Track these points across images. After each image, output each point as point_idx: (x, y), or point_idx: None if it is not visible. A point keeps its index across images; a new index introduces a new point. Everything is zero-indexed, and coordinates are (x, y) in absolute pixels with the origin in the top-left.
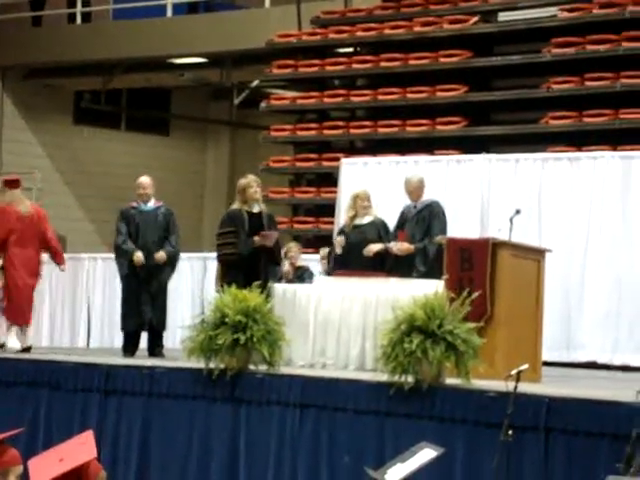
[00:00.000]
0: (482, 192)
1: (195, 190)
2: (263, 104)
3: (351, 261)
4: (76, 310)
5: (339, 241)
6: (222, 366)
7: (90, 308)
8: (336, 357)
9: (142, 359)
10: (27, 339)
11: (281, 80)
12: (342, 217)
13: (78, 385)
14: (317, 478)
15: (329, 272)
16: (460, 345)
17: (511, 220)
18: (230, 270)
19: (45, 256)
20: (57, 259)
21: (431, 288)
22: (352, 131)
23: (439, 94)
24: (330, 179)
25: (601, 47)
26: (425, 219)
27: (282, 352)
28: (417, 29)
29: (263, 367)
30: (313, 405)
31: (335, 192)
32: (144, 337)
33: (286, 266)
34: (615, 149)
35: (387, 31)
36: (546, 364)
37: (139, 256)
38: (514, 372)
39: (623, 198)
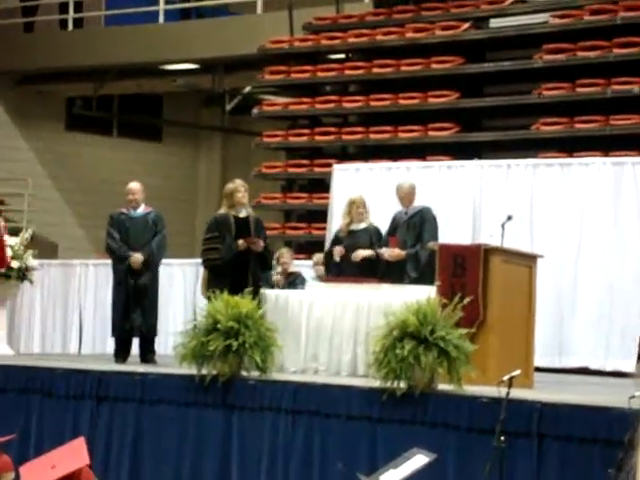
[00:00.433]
0: (474, 198)
1: (187, 196)
2: (255, 110)
3: (345, 267)
4: (68, 316)
5: (338, 250)
6: (214, 372)
7: (82, 314)
8: (328, 363)
9: (134, 365)
10: None
11: (273, 86)
12: (334, 223)
13: (70, 391)
14: None
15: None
16: (452, 351)
17: (503, 226)
18: (217, 275)
19: (36, 262)
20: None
21: (423, 294)
22: (344, 137)
23: (431, 100)
24: (322, 185)
25: (592, 54)
26: (416, 225)
27: (274, 358)
28: (409, 35)
29: (255, 373)
30: (305, 411)
31: (327, 198)
32: (136, 343)
33: (277, 275)
34: (606, 155)
35: (379, 37)
36: (538, 370)
37: (137, 257)
38: (506, 378)
39: (614, 204)
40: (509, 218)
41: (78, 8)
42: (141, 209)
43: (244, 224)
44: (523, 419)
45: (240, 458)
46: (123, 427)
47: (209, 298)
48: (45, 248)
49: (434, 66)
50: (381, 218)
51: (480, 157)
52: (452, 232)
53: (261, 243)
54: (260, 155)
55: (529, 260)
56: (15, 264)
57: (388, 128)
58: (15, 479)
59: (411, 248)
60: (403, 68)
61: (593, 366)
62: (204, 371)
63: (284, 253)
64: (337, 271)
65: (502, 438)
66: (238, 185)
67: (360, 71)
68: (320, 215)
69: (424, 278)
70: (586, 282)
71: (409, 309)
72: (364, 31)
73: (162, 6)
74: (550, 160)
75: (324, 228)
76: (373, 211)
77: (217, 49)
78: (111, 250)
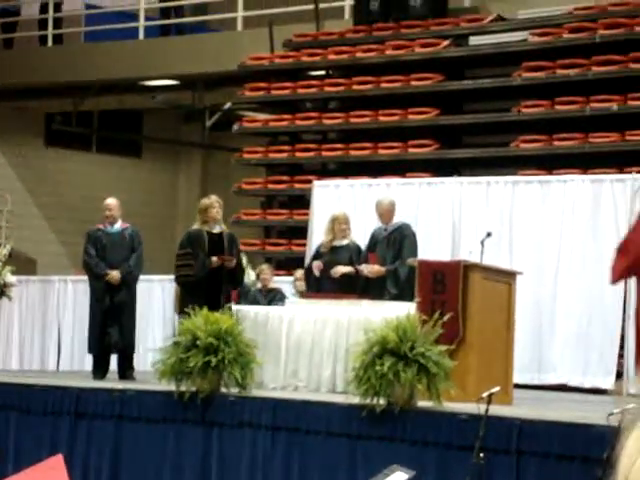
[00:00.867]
0: (453, 215)
1: (167, 212)
2: (235, 126)
3: (324, 283)
4: (46, 333)
5: (316, 265)
6: (193, 389)
7: (60, 331)
8: (308, 379)
9: (113, 382)
10: None
11: (253, 102)
12: (314, 239)
13: (48, 408)
14: None
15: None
16: (432, 367)
17: (482, 243)
18: (190, 292)
19: (15, 278)
20: None
21: (403, 310)
22: (324, 153)
23: (411, 117)
24: (302, 201)
25: (571, 71)
26: (396, 241)
27: (254, 375)
28: (389, 52)
29: (235, 390)
30: (285, 428)
31: (307, 214)
32: (114, 359)
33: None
34: (585, 172)
35: (359, 54)
36: (517, 387)
37: (114, 274)
38: (485, 395)
39: (593, 221)
40: (488, 235)
41: (57, 24)
42: (118, 225)
43: (218, 240)
44: (502, 436)
45: (219, 474)
46: (102, 444)
47: (184, 314)
48: (24, 264)
49: (414, 83)
50: (361, 234)
51: (460, 174)
52: (432, 248)
53: (234, 260)
54: (240, 171)
55: (508, 277)
56: None
57: (368, 145)
58: None
59: (391, 264)
60: (383, 85)
61: (572, 383)
62: (183, 387)
63: (264, 269)
64: (317, 287)
65: (481, 455)
66: (213, 201)
67: (340, 88)
68: (300, 231)
69: (404, 294)
70: (565, 299)
71: (389, 325)
72: (344, 48)
73: (142, 22)
74: (529, 177)
75: (304, 244)
76: (353, 227)
77: (197, 65)
78: (88, 267)
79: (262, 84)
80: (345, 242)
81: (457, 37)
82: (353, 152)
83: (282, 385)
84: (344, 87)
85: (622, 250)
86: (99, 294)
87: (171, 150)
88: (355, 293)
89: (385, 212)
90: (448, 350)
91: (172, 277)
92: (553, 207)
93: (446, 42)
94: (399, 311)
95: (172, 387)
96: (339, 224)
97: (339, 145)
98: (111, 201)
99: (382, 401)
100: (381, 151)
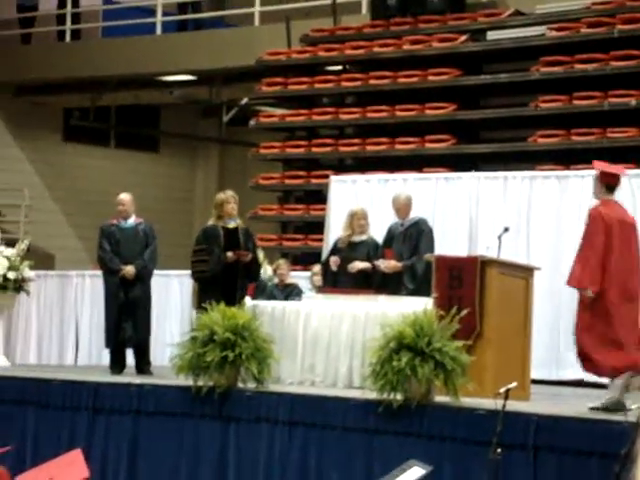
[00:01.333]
0: (471, 210)
1: (184, 207)
2: (252, 122)
3: (341, 278)
4: (64, 327)
5: (334, 261)
6: (211, 383)
7: (78, 325)
8: (325, 375)
9: (130, 377)
10: None
11: (270, 98)
12: (331, 234)
13: (66, 403)
14: None
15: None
16: (449, 363)
17: (499, 238)
18: (207, 288)
19: (33, 273)
20: None
21: (420, 306)
22: (341, 149)
23: (428, 112)
24: (319, 196)
25: (589, 66)
26: (412, 237)
27: (271, 370)
28: (406, 47)
29: (252, 385)
30: (302, 423)
31: (324, 209)
32: (131, 354)
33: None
34: None
35: (376, 49)
36: (535, 382)
37: (129, 269)
38: (503, 390)
39: None
40: (506, 230)
41: (75, 20)
42: (132, 220)
43: (233, 235)
44: (519, 431)
45: (236, 469)
46: (119, 438)
47: (201, 309)
48: (42, 259)
49: (431, 78)
50: (377, 229)
51: (477, 169)
52: (449, 244)
53: (250, 255)
54: (257, 166)
55: (526, 272)
56: (12, 275)
57: (385, 140)
58: None
59: (407, 260)
60: (400, 80)
61: (590, 378)
62: (200, 382)
63: (281, 264)
64: (333, 281)
65: (498, 450)
66: (229, 196)
67: (357, 83)
68: (317, 226)
69: (421, 290)
70: None
71: (406, 321)
72: (361, 43)
73: (159, 17)
74: (547, 172)
75: (321, 239)
76: (370, 222)
77: (214, 61)
78: (102, 262)
79: (279, 79)
80: (363, 237)
81: (475, 32)
82: (370, 147)
83: (299, 380)
84: (361, 82)
85: (582, 259)
86: (113, 289)
87: (188, 145)
88: (371, 288)
89: (402, 207)
90: (465, 346)
91: (189, 272)
92: (571, 202)
93: (464, 37)
94: (416, 306)
95: (189, 382)
96: (358, 219)
97: (356, 140)
98: (124, 196)
99: (399, 396)
100: (398, 146)
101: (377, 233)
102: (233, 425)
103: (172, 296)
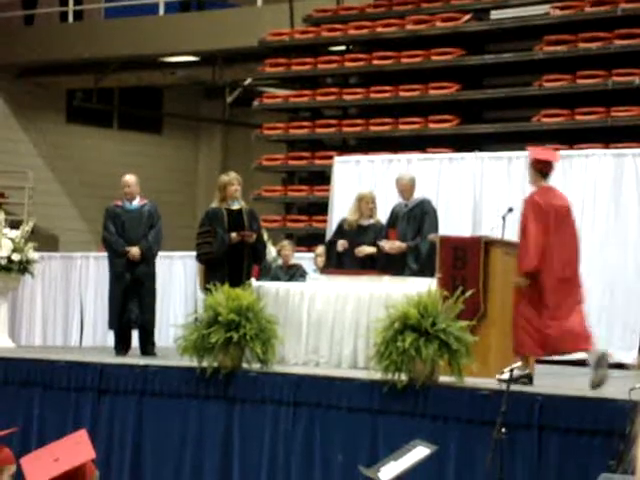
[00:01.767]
0: (474, 190)
1: (187, 188)
2: (256, 102)
3: (346, 260)
4: (69, 309)
5: (342, 244)
6: (215, 364)
7: (83, 307)
8: (329, 355)
9: (135, 358)
10: None
11: (274, 78)
12: (335, 215)
13: (71, 384)
14: (310, 476)
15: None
16: (453, 343)
17: (503, 218)
18: (212, 269)
19: (37, 255)
20: None
21: (424, 286)
22: (344, 129)
23: (431, 92)
24: (323, 177)
25: (593, 45)
26: (416, 217)
27: (275, 350)
28: (409, 27)
29: (256, 365)
30: (306, 403)
31: (328, 190)
32: (136, 335)
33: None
34: (607, 147)
35: (379, 29)
36: (539, 362)
37: (135, 251)
38: (507, 370)
39: (615, 196)
40: (510, 210)
41: (78, 0)
42: (136, 201)
43: (237, 217)
44: (523, 411)
45: (241, 450)
46: (124, 419)
47: (207, 291)
48: (46, 241)
49: (434, 58)
50: (381, 210)
51: (480, 149)
52: (452, 224)
53: (254, 236)
54: (261, 147)
55: None
56: (16, 257)
57: (388, 120)
58: (17, 471)
59: (411, 241)
60: (403, 60)
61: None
62: (205, 363)
63: (285, 245)
64: (337, 262)
65: (503, 430)
66: (232, 178)
67: (360, 63)
68: (321, 207)
69: (425, 270)
70: (586, 273)
71: (410, 301)
72: (364, 23)
73: None
74: None
75: (325, 220)
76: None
77: (217, 41)
78: (107, 243)
79: (282, 60)
80: (371, 221)
81: (478, 11)
82: (373, 128)
83: (303, 361)
84: (364, 62)
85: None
86: (118, 270)
87: (191, 126)
88: (375, 270)
89: (405, 188)
90: (469, 326)
91: (193, 253)
92: (575, 182)
93: (467, 16)
94: (420, 287)
95: (194, 363)
96: (366, 203)
97: (359, 121)
98: (129, 177)
99: (403, 377)
100: (401, 126)
101: (381, 214)
102: (238, 406)
103: (176, 277)
